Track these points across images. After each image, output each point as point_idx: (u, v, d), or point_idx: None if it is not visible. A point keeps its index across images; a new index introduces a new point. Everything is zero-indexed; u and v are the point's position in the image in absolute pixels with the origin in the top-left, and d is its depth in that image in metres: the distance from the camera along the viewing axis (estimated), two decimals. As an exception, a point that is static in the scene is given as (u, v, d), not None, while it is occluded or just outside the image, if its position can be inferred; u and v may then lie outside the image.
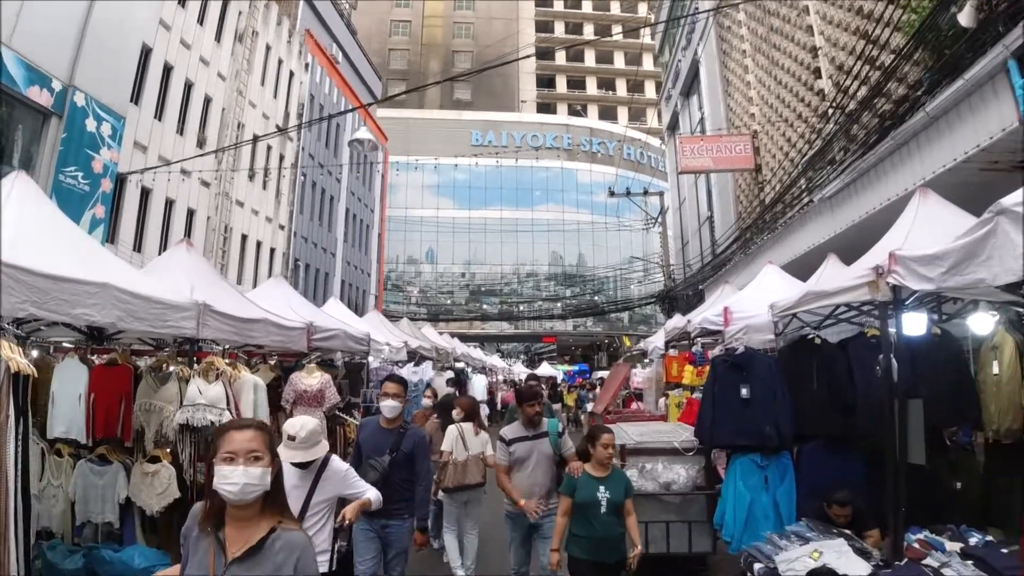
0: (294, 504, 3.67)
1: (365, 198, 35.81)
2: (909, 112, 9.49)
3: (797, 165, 14.58)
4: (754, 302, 8.57)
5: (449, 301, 47.64)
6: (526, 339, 49.93)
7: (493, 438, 5.87)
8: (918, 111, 8.89)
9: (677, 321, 11.54)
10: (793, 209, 13.55)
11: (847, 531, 4.63)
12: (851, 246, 8.56)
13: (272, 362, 7.76)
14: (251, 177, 22.62)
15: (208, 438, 5.22)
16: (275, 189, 24.58)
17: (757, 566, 4.19)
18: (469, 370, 18.87)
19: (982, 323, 4.97)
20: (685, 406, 8.38)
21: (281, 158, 24.93)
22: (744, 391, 5.67)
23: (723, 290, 11.50)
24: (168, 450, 5.36)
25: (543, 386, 25.04)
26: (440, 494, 6.23)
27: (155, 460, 5.32)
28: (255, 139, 19.46)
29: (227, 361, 5.83)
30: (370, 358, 10.13)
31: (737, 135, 19.24)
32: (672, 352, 10.47)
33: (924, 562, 3.76)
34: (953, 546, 3.97)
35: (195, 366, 5.39)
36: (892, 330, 4.45)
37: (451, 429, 6.29)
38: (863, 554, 3.83)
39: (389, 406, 4.80)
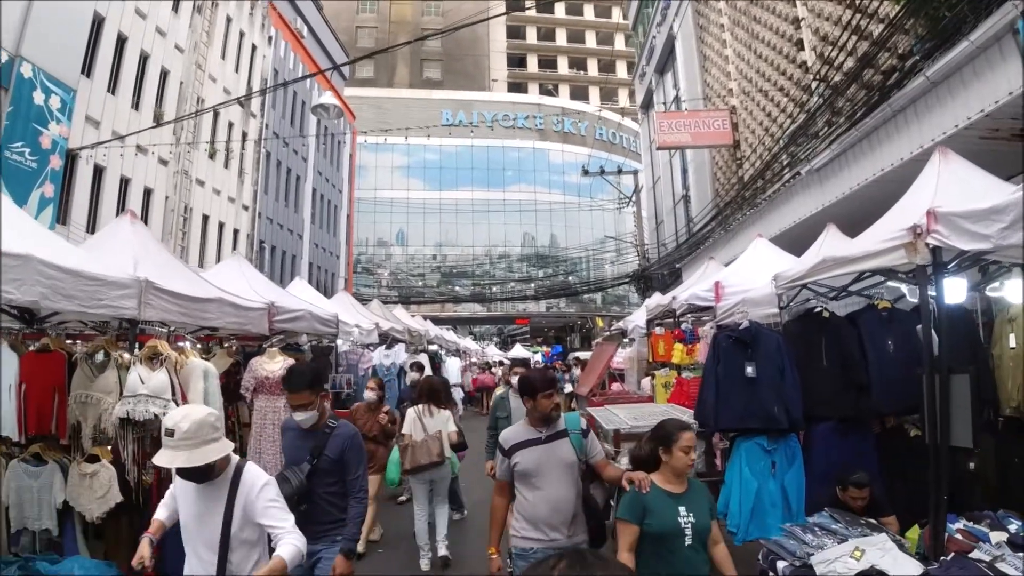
0: (208, 538, 2.89)
1: (333, 178, 34.82)
2: (899, 83, 9.13)
3: (779, 140, 14.23)
4: (746, 276, 8.14)
5: (420, 283, 46.86)
6: (499, 321, 49.43)
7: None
8: (917, 76, 8.51)
9: (660, 299, 11.09)
10: (778, 182, 13.16)
11: (873, 520, 4.21)
12: (841, 219, 8.22)
13: (230, 346, 7.09)
14: (212, 155, 21.65)
15: (154, 433, 4.61)
16: (238, 168, 23.62)
17: (781, 564, 3.73)
18: (443, 353, 18.31)
19: (1015, 290, 4.54)
20: (674, 386, 7.92)
21: (244, 136, 23.93)
22: (749, 369, 5.20)
23: (707, 266, 11.05)
24: (109, 448, 4.72)
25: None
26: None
27: (94, 459, 4.68)
28: (211, 109, 18.42)
29: (174, 345, 5.17)
30: (339, 341, 9.51)
31: (715, 110, 18.87)
32: (658, 330, 9.99)
33: (972, 556, 3.33)
34: (998, 536, 3.55)
35: (136, 351, 4.73)
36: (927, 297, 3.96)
37: (410, 412, 6.59)
38: (904, 549, 3.38)
39: (303, 417, 3.73)
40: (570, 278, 46.40)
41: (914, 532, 4.43)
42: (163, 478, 4.67)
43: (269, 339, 6.81)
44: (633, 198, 29.63)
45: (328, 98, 9.91)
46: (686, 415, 5.78)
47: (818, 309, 5.56)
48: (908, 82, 8.81)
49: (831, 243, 6.47)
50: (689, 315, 8.57)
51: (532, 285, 44.71)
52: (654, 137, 26.70)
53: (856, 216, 6.76)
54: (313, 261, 30.76)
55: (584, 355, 20.58)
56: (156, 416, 4.42)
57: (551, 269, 47.45)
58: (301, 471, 3.65)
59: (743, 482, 5.21)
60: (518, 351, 36.00)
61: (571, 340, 48.36)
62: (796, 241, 8.84)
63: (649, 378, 10.15)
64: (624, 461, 5.26)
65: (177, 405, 4.47)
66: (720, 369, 5.32)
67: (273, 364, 6.48)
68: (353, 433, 3.81)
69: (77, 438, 4.79)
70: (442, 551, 6.44)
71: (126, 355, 4.70)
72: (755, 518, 5.24)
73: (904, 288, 5.46)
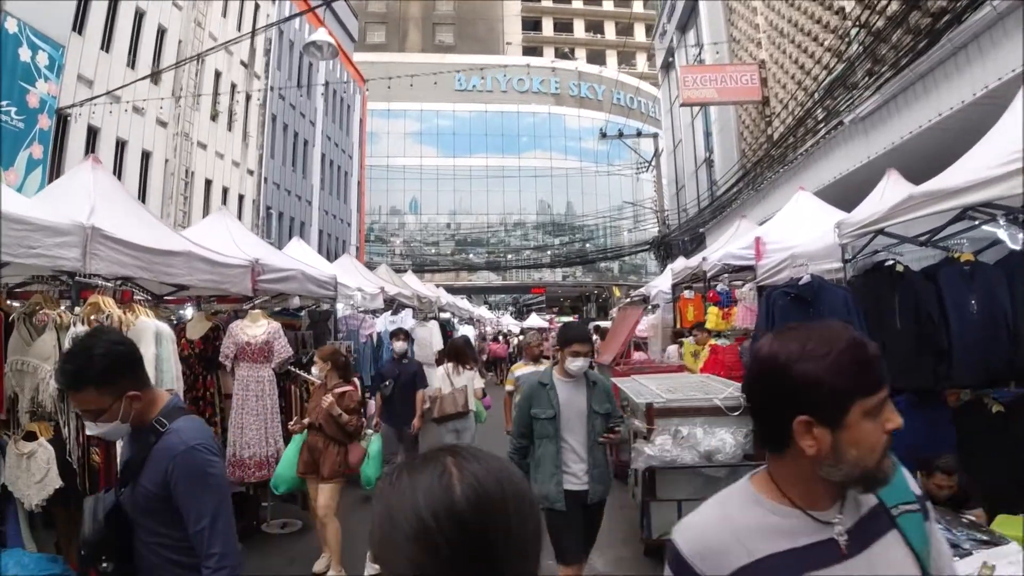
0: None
1: (343, 143, 33.87)
2: (958, 18, 8.13)
3: (814, 93, 13.21)
4: (788, 231, 7.29)
5: (434, 252, 46.03)
6: (514, 290, 48.62)
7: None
8: (981, 7, 7.52)
9: (686, 261, 10.24)
10: (815, 136, 12.15)
11: (972, 517, 3.41)
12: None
13: (207, 308, 6.33)
14: (214, 117, 20.83)
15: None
16: (242, 131, 22.77)
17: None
18: (455, 321, 17.57)
19: None
20: (708, 355, 7.09)
21: (248, 97, 23.06)
22: (811, 333, 4.37)
23: (739, 225, 10.17)
24: (50, 424, 4.00)
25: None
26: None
27: (32, 437, 3.97)
28: (195, 58, 17.58)
29: (123, 303, 4.40)
30: (339, 305, 8.76)
31: (742, 65, 17.83)
32: (687, 294, 9.16)
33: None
34: None
35: (77, 310, 3.98)
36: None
37: (439, 369, 7.54)
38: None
39: (99, 430, 2.23)
40: (587, 245, 45.40)
41: (1017, 526, 3.63)
42: (112, 459, 3.95)
43: (251, 300, 6.03)
44: (653, 162, 28.55)
45: (321, 34, 8.99)
46: (728, 387, 4.96)
47: (890, 262, 4.70)
48: (969, 16, 7.83)
49: (895, 189, 5.63)
50: (726, 275, 7.69)
51: (548, 253, 43.72)
52: (676, 96, 25.60)
53: (906, 171, 5.91)
54: (323, 228, 29.99)
55: (604, 324, 19.75)
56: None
57: (567, 237, 46.39)
58: (102, 505, 2.19)
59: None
60: (534, 320, 35.31)
61: (587, 310, 47.57)
62: (835, 200, 7.95)
63: (676, 346, 9.34)
64: (659, 440, 4.47)
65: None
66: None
67: (256, 328, 5.72)
68: (186, 448, 2.05)
69: (14, 412, 4.08)
70: None
71: (66, 315, 3.93)
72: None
73: (1002, 234, 4.56)
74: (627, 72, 51.31)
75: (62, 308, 4.07)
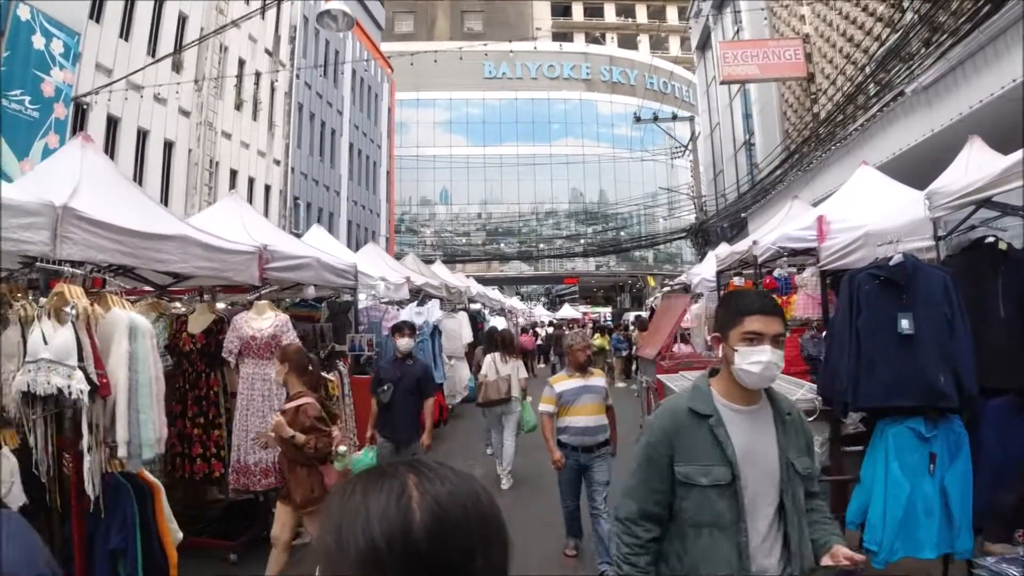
0: None
1: (371, 133, 33.43)
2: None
3: (864, 67, 12.32)
4: (855, 209, 6.54)
5: (465, 242, 45.49)
6: (546, 281, 47.88)
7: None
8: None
9: (732, 247, 9.49)
10: (867, 112, 11.27)
11: None
12: (954, 149, 6.66)
13: (210, 299, 5.79)
14: (238, 106, 20.48)
15: (76, 407, 3.35)
16: (267, 120, 22.39)
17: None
18: (486, 312, 16.99)
19: None
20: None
21: (273, 86, 22.68)
22: (905, 323, 3.65)
23: (791, 206, 9.39)
24: (17, 431, 3.49)
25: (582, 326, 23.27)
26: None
27: (-4, 446, 3.46)
28: (207, 37, 17.20)
29: (93, 293, 3.86)
30: (361, 296, 8.22)
31: (785, 40, 16.88)
32: (737, 281, 8.43)
33: None
34: None
35: (43, 301, 3.45)
36: None
37: (487, 358, 8.05)
38: None
39: None
40: (620, 234, 44.46)
41: None
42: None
43: (258, 290, 5.49)
44: (689, 147, 27.60)
45: (336, 3, 8.40)
46: (800, 389, 4.27)
47: (991, 238, 3.96)
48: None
49: (981, 157, 4.91)
50: (784, 259, 6.96)
51: (581, 243, 42.88)
52: (714, 74, 24.63)
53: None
54: (352, 219, 29.62)
55: (641, 314, 18.99)
56: (60, 390, 3.15)
57: (600, 225, 45.47)
58: None
59: (891, 483, 3.72)
60: (567, 311, 34.68)
61: (621, 300, 46.69)
62: (894, 177, 7.18)
63: (724, 338, 8.61)
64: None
65: (86, 374, 3.19)
66: (862, 322, 3.77)
67: (261, 321, 5.18)
68: None
69: (-23, 418, 3.58)
70: (504, 484, 7.63)
71: (31, 306, 3.41)
72: (903, 531, 3.77)
73: None
74: (660, 56, 50.11)
75: (29, 299, 3.55)
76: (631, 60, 50.02)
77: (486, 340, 8.87)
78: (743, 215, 18.95)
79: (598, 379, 5.19)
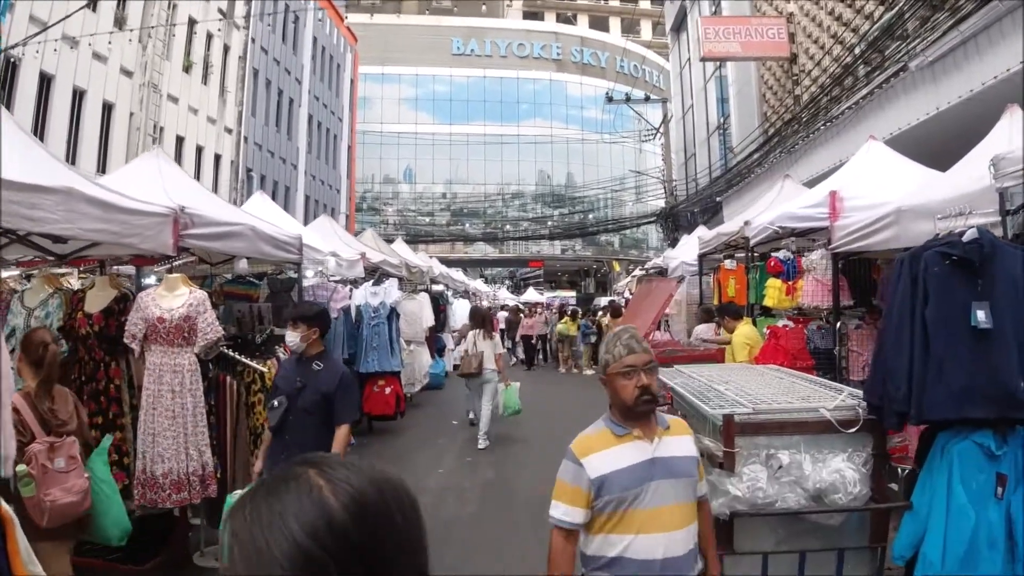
0: None
1: (332, 105, 31.97)
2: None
3: (853, 48, 11.72)
4: (868, 185, 5.84)
5: (428, 222, 44.24)
6: (511, 263, 47.00)
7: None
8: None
9: (723, 227, 8.76)
10: (851, 96, 10.62)
11: None
12: (956, 131, 6.04)
13: (113, 272, 4.78)
14: (187, 68, 19.07)
15: None
16: (219, 85, 20.99)
17: None
18: (450, 294, 16.09)
19: None
20: (768, 338, 5.63)
21: (226, 49, 21.25)
22: (981, 314, 2.86)
23: (783, 185, 8.70)
24: None
25: (542, 310, 22.35)
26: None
27: None
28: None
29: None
30: (308, 273, 7.27)
31: (768, 18, 16.23)
32: (728, 264, 7.69)
33: None
34: None
35: None
36: None
37: (470, 334, 8.91)
38: None
39: None
40: (589, 217, 43.75)
41: None
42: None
43: (169, 261, 4.51)
44: (661, 129, 26.96)
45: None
46: (841, 395, 3.48)
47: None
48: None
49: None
50: (792, 239, 6.21)
51: (547, 225, 42.02)
52: (688, 57, 23.95)
53: (978, 126, 4.65)
54: (310, 194, 28.25)
55: (615, 299, 18.21)
56: None
57: (567, 209, 44.67)
58: None
59: (955, 511, 2.96)
60: (531, 295, 33.96)
61: (585, 285, 46.14)
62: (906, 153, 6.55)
63: (709, 326, 7.89)
64: (749, 472, 3.02)
65: None
66: (930, 313, 2.99)
67: (172, 299, 4.21)
68: None
69: None
70: (480, 444, 8.53)
71: None
72: (964, 567, 3.03)
73: None
74: (632, 39, 49.30)
75: None
76: (602, 42, 49.13)
77: (471, 317, 9.76)
78: (719, 199, 18.35)
79: (680, 438, 2.51)
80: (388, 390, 8.57)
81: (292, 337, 3.91)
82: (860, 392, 3.44)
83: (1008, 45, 6.97)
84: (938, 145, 7.23)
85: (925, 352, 2.98)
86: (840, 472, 3.05)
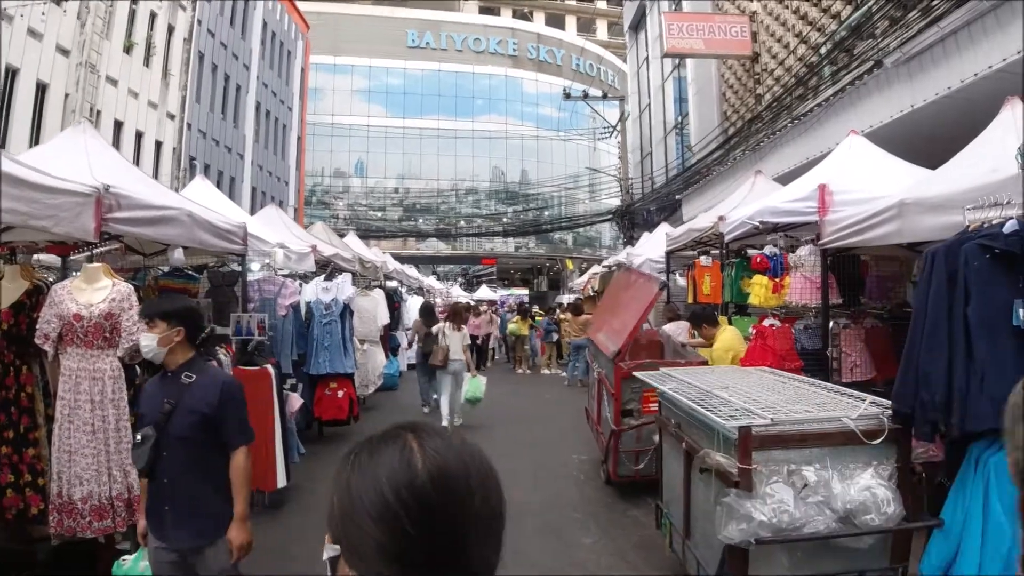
0: None
1: (282, 93, 30.83)
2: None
3: (819, 47, 11.64)
4: (856, 179, 5.59)
5: (380, 216, 43.24)
6: (464, 260, 46.35)
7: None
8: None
9: (694, 223, 8.46)
10: (836, 84, 10.47)
11: None
12: (931, 129, 5.82)
13: (24, 262, 4.14)
14: (128, 49, 17.99)
15: None
16: (162, 68, 19.89)
17: None
18: (404, 290, 15.51)
19: None
20: (754, 338, 5.30)
21: (170, 30, 20.18)
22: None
23: (755, 181, 8.49)
24: None
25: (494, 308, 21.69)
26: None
27: None
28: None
29: None
30: (254, 266, 6.67)
31: (731, 16, 16.17)
32: (703, 261, 7.38)
33: None
34: None
35: None
36: None
37: (439, 325, 9.62)
38: None
39: None
40: (544, 214, 43.45)
41: None
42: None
43: (90, 249, 3.91)
44: (618, 127, 26.81)
45: None
46: (863, 404, 3.12)
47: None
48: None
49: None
50: (779, 235, 5.90)
51: (501, 223, 41.54)
52: (647, 55, 23.82)
53: (955, 126, 4.90)
54: (257, 186, 27.14)
55: (580, 296, 17.76)
56: None
57: (521, 206, 44.28)
58: None
59: (992, 529, 2.64)
60: (484, 292, 33.50)
61: (538, 283, 45.88)
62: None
63: (681, 324, 7.58)
64: (772, 492, 2.64)
65: None
66: (975, 312, 2.65)
67: (92, 293, 3.63)
68: None
69: None
70: (444, 422, 8.98)
71: None
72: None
73: None
74: (588, 38, 49.21)
75: None
76: (559, 40, 48.90)
77: (421, 314, 10.76)
78: (678, 197, 18.21)
79: None
80: (341, 393, 7.98)
81: (147, 341, 2.83)
82: (879, 399, 3.11)
83: (992, 42, 6.81)
84: (907, 142, 7.07)
85: (967, 355, 2.64)
86: (871, 490, 2.70)
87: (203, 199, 6.58)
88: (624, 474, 5.90)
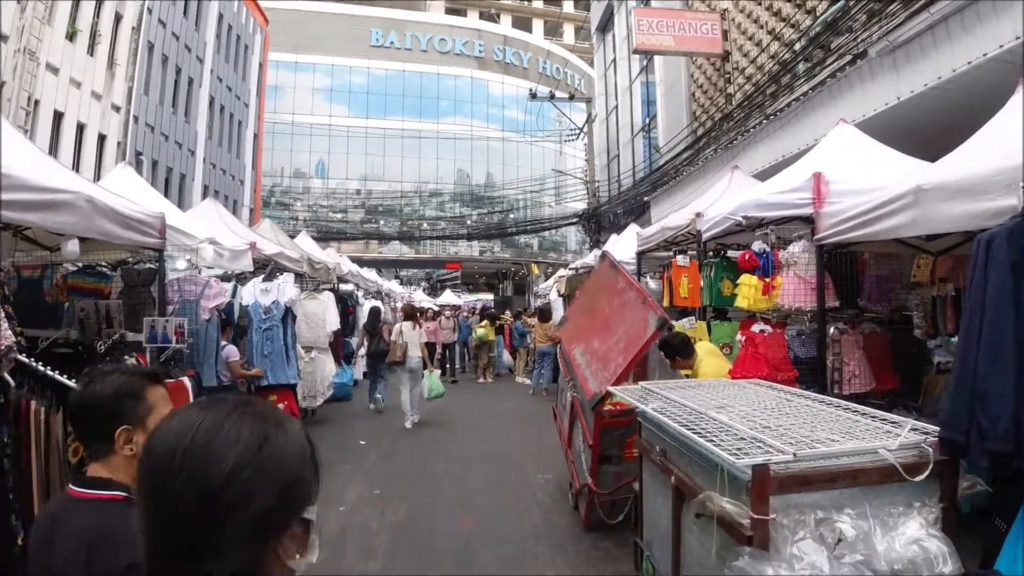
0: None
1: (238, 88, 29.66)
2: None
3: (793, 44, 11.29)
4: (850, 169, 5.05)
5: (341, 219, 42.13)
6: (428, 264, 45.48)
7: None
8: None
9: (667, 220, 7.89)
10: (812, 80, 10.04)
11: None
12: (919, 122, 5.30)
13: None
14: (71, 36, 16.89)
15: None
16: (108, 57, 18.77)
17: None
18: (359, 294, 14.70)
19: None
20: (744, 346, 4.70)
21: (117, 18, 19.07)
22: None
23: (732, 177, 7.98)
24: None
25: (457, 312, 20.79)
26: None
27: None
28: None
29: None
30: (179, 264, 5.89)
31: (702, 13, 15.78)
32: (680, 260, 6.80)
33: None
34: None
35: None
36: None
37: (399, 324, 10.26)
38: None
39: None
40: (510, 216, 42.82)
41: None
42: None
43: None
44: (584, 129, 26.36)
45: None
46: (904, 430, 2.51)
47: None
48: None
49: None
50: (770, 230, 5.31)
51: (465, 225, 40.78)
52: (614, 56, 23.41)
53: (944, 119, 4.14)
54: (209, 184, 25.93)
55: (549, 300, 16.96)
56: None
57: (486, 209, 43.59)
58: None
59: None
60: (448, 297, 32.76)
61: (504, 287, 45.22)
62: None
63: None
64: (800, 553, 2.00)
65: None
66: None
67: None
68: None
69: None
70: (407, 424, 9.58)
71: None
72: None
73: None
74: (554, 42, 48.83)
75: None
76: (525, 42, 48.45)
77: (369, 318, 11.17)
78: (647, 199, 17.75)
79: None
80: (281, 406, 7.21)
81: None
82: (919, 423, 2.51)
83: (985, 29, 6.37)
84: (891, 137, 6.62)
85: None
86: (920, 543, 2.07)
87: (124, 188, 5.81)
88: (597, 520, 5.19)
